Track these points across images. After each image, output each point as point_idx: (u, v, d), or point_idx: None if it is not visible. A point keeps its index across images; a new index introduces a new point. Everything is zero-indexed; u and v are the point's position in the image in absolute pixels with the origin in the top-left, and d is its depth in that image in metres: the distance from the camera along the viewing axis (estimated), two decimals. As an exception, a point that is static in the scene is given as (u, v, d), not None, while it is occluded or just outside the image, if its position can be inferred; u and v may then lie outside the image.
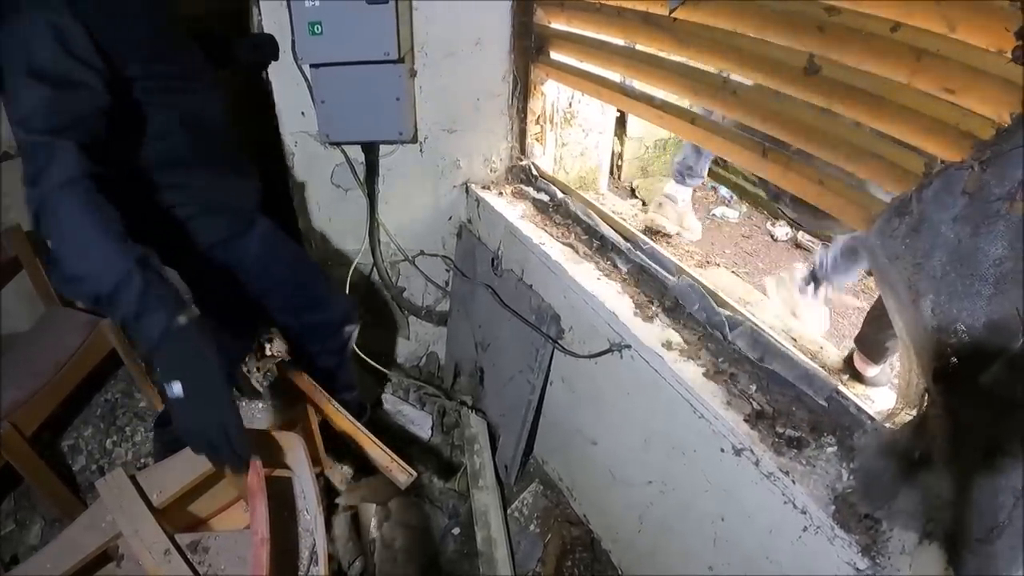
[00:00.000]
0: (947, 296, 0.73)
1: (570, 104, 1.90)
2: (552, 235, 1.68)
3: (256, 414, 1.81)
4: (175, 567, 1.04)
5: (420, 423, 2.13)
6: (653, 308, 1.39)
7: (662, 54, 1.31)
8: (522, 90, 1.85)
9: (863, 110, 0.90)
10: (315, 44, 1.56)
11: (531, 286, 1.75)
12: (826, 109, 0.98)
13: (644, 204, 4.31)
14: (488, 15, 1.73)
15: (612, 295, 1.44)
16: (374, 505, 1.71)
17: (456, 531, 1.82)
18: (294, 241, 1.61)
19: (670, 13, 1.19)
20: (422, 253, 2.12)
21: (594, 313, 1.46)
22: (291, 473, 1.17)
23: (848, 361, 1.15)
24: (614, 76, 1.56)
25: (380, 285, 2.14)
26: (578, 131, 1.96)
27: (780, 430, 1.08)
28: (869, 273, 2.51)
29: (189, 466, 1.21)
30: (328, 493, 1.75)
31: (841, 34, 0.89)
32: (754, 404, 1.13)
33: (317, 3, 1.50)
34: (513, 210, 1.82)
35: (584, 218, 1.65)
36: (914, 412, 0.85)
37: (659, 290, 1.41)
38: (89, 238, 0.97)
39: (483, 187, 1.97)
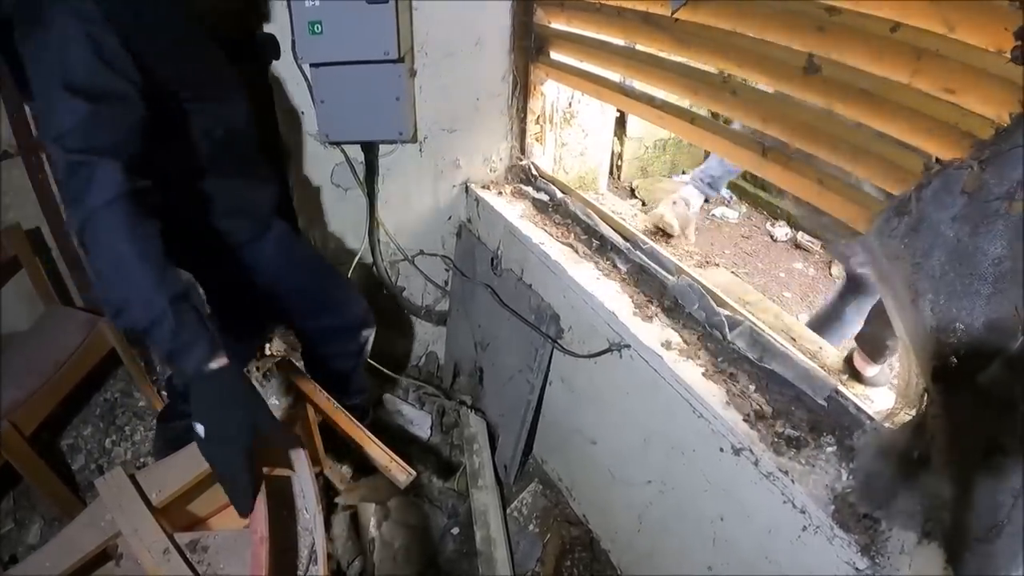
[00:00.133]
0: (946, 295, 0.73)
1: (570, 104, 1.90)
2: (552, 235, 1.68)
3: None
4: (174, 566, 1.04)
5: (419, 423, 2.13)
6: (652, 308, 1.39)
7: (662, 54, 1.31)
8: (522, 90, 1.85)
9: (863, 110, 0.90)
10: (315, 43, 1.56)
11: (530, 286, 1.75)
12: (826, 109, 0.99)
13: (644, 204, 4.31)
14: (488, 15, 1.73)
15: (611, 295, 1.44)
16: (373, 504, 1.71)
17: (455, 531, 1.82)
18: (311, 247, 1.60)
19: (672, 14, 1.19)
20: (422, 253, 2.12)
21: (593, 313, 1.46)
22: (290, 472, 1.17)
23: (848, 360, 1.15)
24: (614, 76, 1.56)
25: (379, 284, 2.14)
26: (578, 131, 1.96)
27: (779, 430, 1.08)
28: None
29: (188, 465, 1.20)
30: (327, 492, 1.75)
31: (841, 34, 0.89)
32: (753, 404, 1.13)
33: (317, 3, 1.50)
34: (513, 210, 1.82)
35: (584, 218, 1.65)
36: (913, 412, 0.85)
37: (658, 290, 1.41)
38: (128, 269, 0.96)
39: (483, 187, 1.97)
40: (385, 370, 2.18)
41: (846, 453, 1.02)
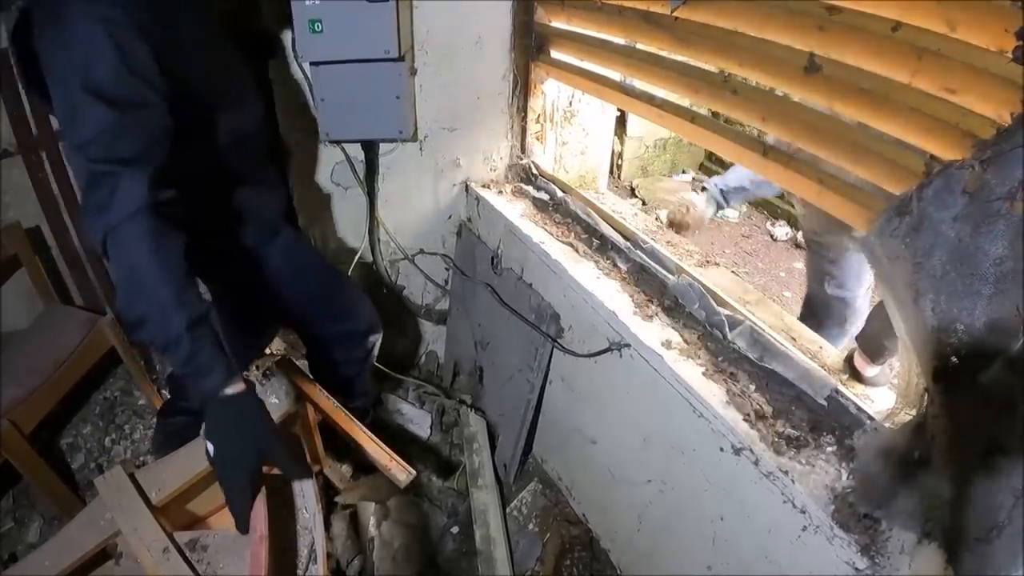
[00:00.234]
0: (947, 295, 0.73)
1: (570, 103, 1.90)
2: (552, 234, 1.68)
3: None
4: (174, 565, 1.04)
5: (419, 422, 2.13)
6: (653, 307, 1.39)
7: (662, 53, 1.31)
8: (522, 89, 1.85)
9: (863, 109, 0.90)
10: (315, 42, 1.56)
11: (531, 285, 1.74)
12: (827, 108, 0.98)
13: (644, 203, 4.32)
14: (488, 13, 1.73)
15: (612, 294, 1.44)
16: (373, 504, 1.71)
17: (455, 530, 1.82)
18: (319, 253, 1.58)
19: (672, 12, 1.19)
20: (422, 252, 2.12)
21: (593, 312, 1.46)
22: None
23: (848, 361, 1.15)
24: (614, 75, 1.56)
25: (380, 283, 2.13)
26: (578, 130, 1.95)
27: (779, 430, 1.08)
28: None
29: (188, 464, 1.21)
30: (327, 492, 1.75)
31: (842, 33, 0.89)
32: (753, 403, 1.13)
33: (317, 1, 1.50)
34: (513, 209, 1.81)
35: (584, 217, 1.65)
36: (914, 412, 0.85)
37: (659, 289, 1.41)
38: (148, 288, 0.96)
39: (483, 186, 1.97)
40: (385, 369, 2.18)
41: (846, 453, 1.02)
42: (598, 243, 1.60)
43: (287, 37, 1.61)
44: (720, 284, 1.32)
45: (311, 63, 1.62)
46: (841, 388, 1.05)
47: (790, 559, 1.06)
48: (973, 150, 0.72)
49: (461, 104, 1.85)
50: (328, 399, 1.44)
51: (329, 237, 2.02)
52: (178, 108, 1.04)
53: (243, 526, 0.99)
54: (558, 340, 1.66)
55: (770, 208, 4.21)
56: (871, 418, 0.99)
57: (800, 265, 3.67)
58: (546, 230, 1.70)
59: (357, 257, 2.01)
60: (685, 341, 1.30)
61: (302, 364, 1.67)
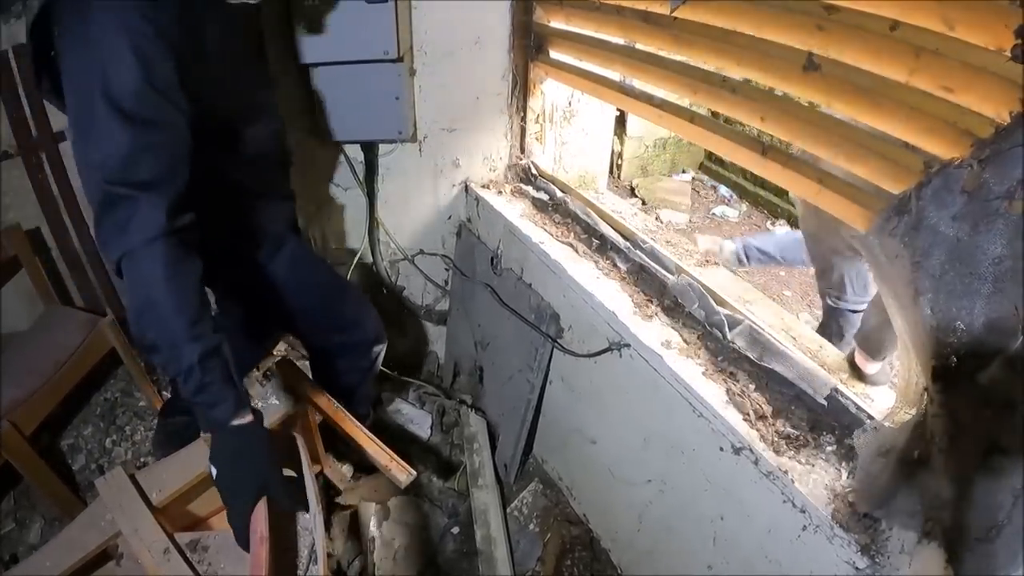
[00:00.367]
0: (946, 295, 0.73)
1: (570, 103, 1.90)
2: (551, 234, 1.68)
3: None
4: (174, 566, 1.05)
5: (419, 422, 2.13)
6: (652, 307, 1.39)
7: (661, 53, 1.31)
8: (521, 89, 1.85)
9: (862, 108, 0.90)
10: (314, 43, 1.56)
11: (530, 285, 1.74)
12: (825, 107, 0.98)
13: (644, 203, 4.31)
14: (487, 14, 1.73)
15: (611, 294, 1.44)
16: (373, 504, 1.71)
17: (455, 530, 1.82)
18: (325, 263, 1.56)
19: (671, 12, 1.19)
20: (421, 252, 2.12)
21: (593, 312, 1.46)
22: (292, 473, 1.17)
23: (850, 359, 1.15)
24: (614, 75, 1.56)
25: (379, 284, 2.14)
26: (578, 130, 1.95)
27: (779, 429, 1.08)
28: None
29: (188, 465, 1.21)
30: (327, 492, 1.75)
31: (840, 33, 0.89)
32: (753, 403, 1.13)
33: (316, 2, 1.50)
34: (512, 209, 1.82)
35: (583, 217, 1.65)
36: (913, 411, 0.85)
37: (658, 289, 1.41)
38: (161, 317, 0.94)
39: (482, 186, 1.97)
40: (385, 369, 2.18)
41: (846, 452, 1.02)
42: (598, 243, 1.60)
43: (287, 37, 1.61)
44: (719, 284, 1.32)
45: (310, 64, 1.62)
46: (841, 387, 1.05)
47: (790, 558, 1.06)
48: (972, 149, 0.72)
49: (460, 104, 1.85)
50: (329, 400, 1.44)
51: (329, 238, 2.02)
52: (200, 124, 1.01)
53: (243, 544, 1.00)
54: (558, 340, 1.66)
55: (770, 207, 4.21)
56: (871, 417, 0.99)
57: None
58: (546, 230, 1.70)
59: (357, 258, 2.01)
60: (685, 341, 1.30)
61: (303, 365, 1.68)
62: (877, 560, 0.90)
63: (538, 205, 1.83)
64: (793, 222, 4.01)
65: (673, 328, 1.34)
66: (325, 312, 1.52)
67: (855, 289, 2.05)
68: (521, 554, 1.75)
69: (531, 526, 1.82)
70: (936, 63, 0.78)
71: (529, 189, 1.89)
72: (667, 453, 1.35)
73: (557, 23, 1.68)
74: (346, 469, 1.81)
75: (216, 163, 1.10)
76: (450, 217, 2.08)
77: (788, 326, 1.23)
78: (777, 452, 1.05)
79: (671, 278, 1.37)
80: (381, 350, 1.67)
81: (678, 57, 1.27)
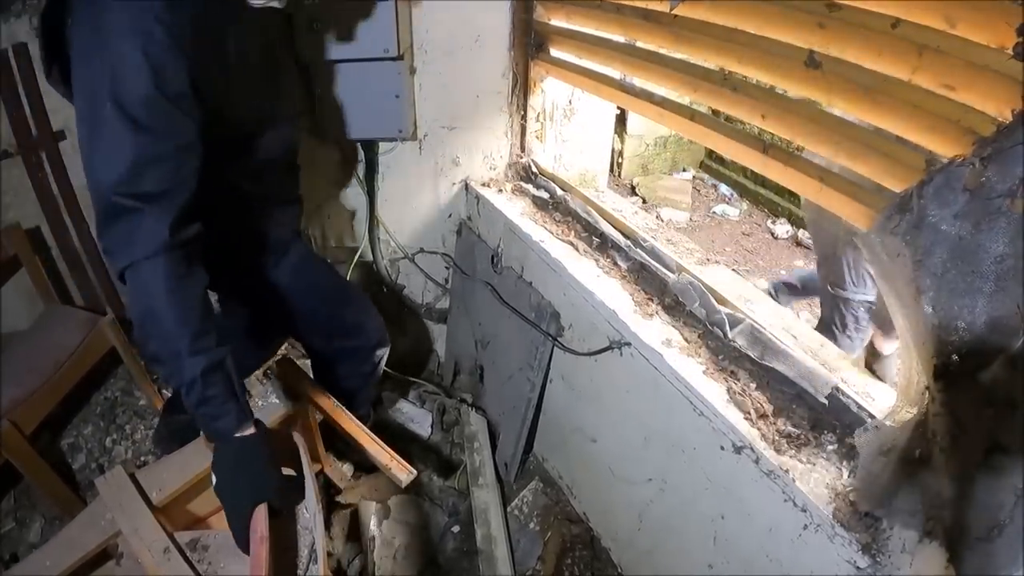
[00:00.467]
0: (948, 293, 0.73)
1: (570, 101, 1.90)
2: (552, 232, 1.68)
3: (256, 412, 1.81)
4: (174, 565, 1.05)
5: (420, 421, 2.13)
6: (653, 306, 1.39)
7: (662, 50, 1.31)
8: (522, 87, 1.85)
9: (864, 107, 0.90)
10: (314, 41, 1.56)
11: (531, 283, 1.74)
12: (827, 105, 0.98)
13: (645, 201, 4.31)
14: (488, 12, 1.73)
15: (612, 292, 1.44)
16: (374, 503, 1.71)
17: (456, 529, 1.82)
18: (328, 267, 1.54)
19: (671, 10, 1.18)
20: (422, 251, 2.12)
21: (594, 311, 1.45)
22: (293, 472, 1.17)
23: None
24: (614, 73, 1.55)
25: (380, 282, 2.13)
26: (578, 128, 1.95)
27: (780, 428, 1.08)
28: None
29: (188, 464, 1.21)
30: (328, 491, 1.75)
31: (841, 30, 0.89)
32: (754, 402, 1.13)
33: (317, 0, 1.50)
34: (513, 207, 1.81)
35: (584, 215, 1.65)
36: (915, 410, 0.84)
37: (659, 287, 1.41)
38: (164, 331, 0.94)
39: (483, 184, 1.97)
40: (386, 368, 2.17)
41: (847, 451, 1.02)
42: (598, 241, 1.60)
43: (287, 36, 1.60)
44: (720, 282, 1.32)
45: (310, 62, 1.61)
46: (842, 386, 1.05)
47: (791, 558, 1.06)
48: (974, 147, 0.72)
49: (461, 103, 1.85)
50: (329, 399, 1.44)
51: (329, 236, 2.02)
52: (214, 133, 0.99)
53: (243, 547, 1.01)
54: (558, 339, 1.66)
55: (771, 206, 4.21)
56: (872, 416, 0.98)
57: (801, 263, 3.66)
58: (546, 228, 1.69)
59: (357, 256, 2.01)
60: (685, 339, 1.29)
61: (303, 364, 1.67)
62: (878, 559, 0.90)
63: (538, 203, 1.83)
64: (794, 221, 4.00)
65: (674, 327, 1.33)
66: (328, 317, 1.51)
67: (853, 279, 2.05)
68: (522, 553, 1.75)
69: (531, 525, 1.82)
70: (938, 61, 0.77)
71: (529, 187, 1.89)
72: (668, 452, 1.35)
73: (558, 21, 1.67)
74: (346, 468, 1.81)
75: (224, 170, 1.08)
76: (450, 215, 2.08)
77: (789, 325, 1.23)
78: (778, 451, 1.05)
79: (672, 276, 1.37)
80: (383, 354, 1.67)
81: (679, 55, 1.27)
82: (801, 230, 3.90)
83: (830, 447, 1.04)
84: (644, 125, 4.45)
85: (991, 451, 0.70)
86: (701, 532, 1.28)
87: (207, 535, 1.13)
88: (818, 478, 1.00)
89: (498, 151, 1.98)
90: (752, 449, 1.07)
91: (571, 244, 1.62)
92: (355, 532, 1.70)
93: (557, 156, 1.97)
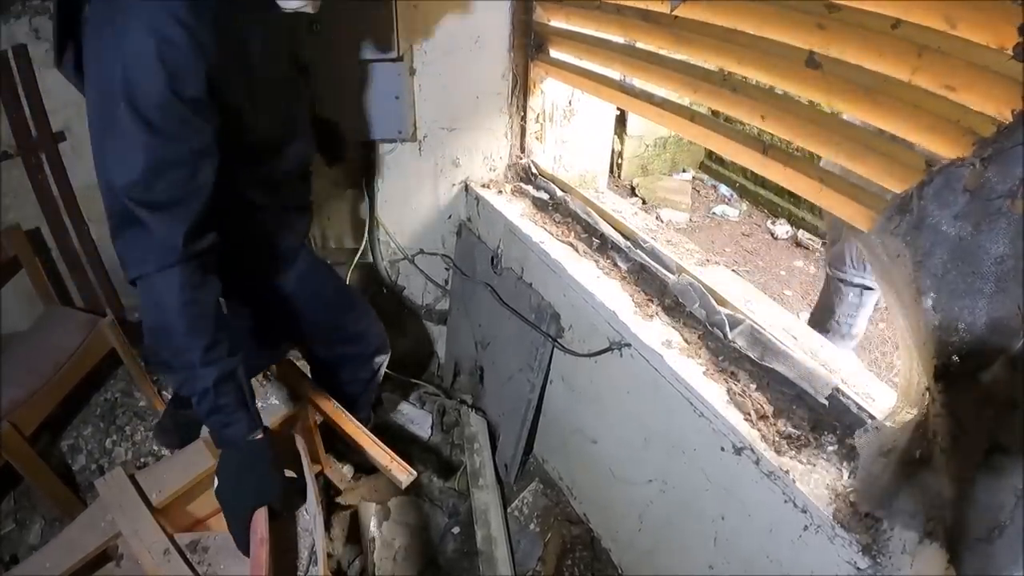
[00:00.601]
0: (948, 294, 0.73)
1: (570, 102, 1.90)
2: (552, 233, 1.68)
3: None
4: (174, 567, 1.05)
5: (420, 422, 2.13)
6: (653, 307, 1.39)
7: (662, 51, 1.31)
8: (521, 88, 1.85)
9: (864, 107, 0.90)
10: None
11: (531, 284, 1.74)
12: (827, 106, 0.98)
13: (644, 202, 4.31)
14: (487, 13, 1.73)
15: (612, 293, 1.44)
16: (374, 504, 1.71)
17: (456, 530, 1.82)
18: (332, 274, 1.52)
19: (671, 11, 1.18)
20: (421, 252, 2.12)
21: (594, 312, 1.45)
22: (293, 474, 1.17)
23: None
24: (614, 74, 1.55)
25: (379, 284, 2.13)
26: (578, 129, 1.95)
27: (780, 429, 1.08)
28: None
29: (188, 466, 1.21)
30: (328, 492, 1.75)
31: (841, 31, 0.89)
32: (754, 403, 1.13)
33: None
34: (513, 208, 1.81)
35: (584, 216, 1.65)
36: (915, 411, 0.84)
37: (659, 288, 1.41)
38: (175, 342, 0.94)
39: (483, 185, 1.97)
40: (387, 370, 2.18)
41: (847, 452, 1.02)
42: (598, 242, 1.60)
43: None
44: (720, 283, 1.32)
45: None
46: (842, 387, 1.05)
47: (791, 558, 1.06)
48: (974, 148, 0.72)
49: (460, 104, 1.85)
50: (329, 400, 1.44)
51: (329, 237, 2.02)
52: (233, 138, 0.97)
53: (243, 550, 1.01)
54: (558, 340, 1.66)
55: (771, 207, 4.21)
56: (872, 417, 0.98)
57: (801, 263, 3.66)
58: (546, 230, 1.69)
59: (357, 257, 2.01)
60: (685, 340, 1.29)
61: (303, 365, 1.68)
62: (878, 560, 0.89)
63: (538, 204, 1.83)
64: (793, 221, 4.00)
65: (674, 328, 1.33)
66: (330, 325, 1.51)
67: (854, 263, 2.06)
68: (522, 554, 1.75)
69: (532, 526, 1.82)
70: (938, 61, 0.77)
71: (529, 188, 1.89)
72: (668, 453, 1.35)
73: (557, 22, 1.68)
74: (346, 469, 1.81)
75: (236, 179, 1.05)
76: (450, 216, 2.08)
77: (789, 326, 1.23)
78: (778, 452, 1.04)
79: (672, 277, 1.37)
80: (383, 361, 1.67)
81: (678, 56, 1.27)
82: (801, 230, 3.90)
83: (830, 448, 1.04)
84: (644, 126, 4.45)
85: (991, 452, 0.70)
86: (701, 533, 1.28)
87: (207, 536, 1.13)
88: (818, 479, 1.00)
89: (498, 152, 1.98)
90: (752, 450, 1.07)
91: (571, 245, 1.62)
92: (355, 533, 1.70)
93: (557, 157, 1.97)
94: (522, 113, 1.89)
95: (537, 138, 1.93)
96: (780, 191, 4.10)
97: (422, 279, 2.18)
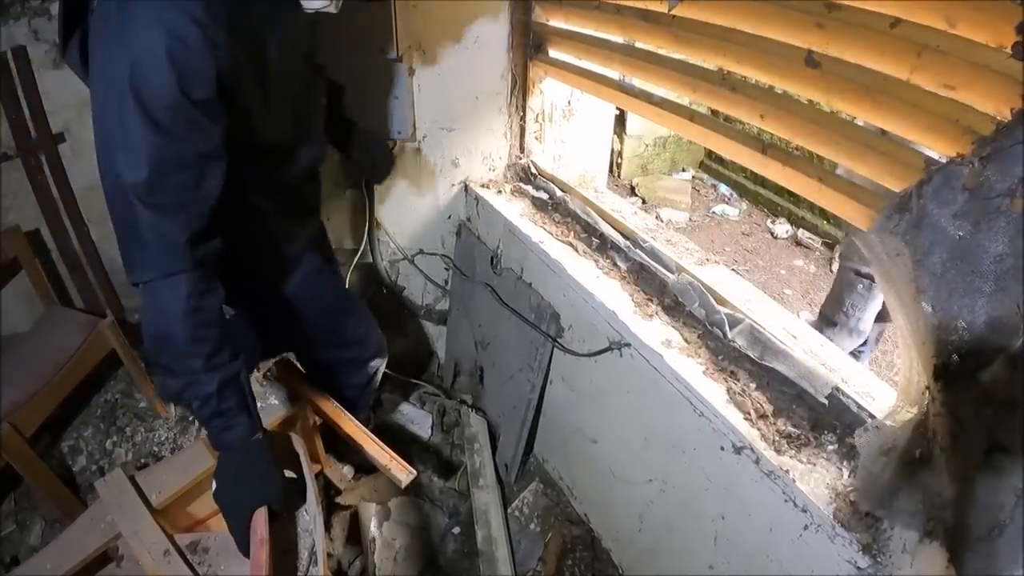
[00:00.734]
0: (947, 293, 0.73)
1: (569, 102, 1.90)
2: (551, 233, 1.68)
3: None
4: (174, 567, 1.05)
5: (420, 422, 2.13)
6: (653, 306, 1.39)
7: (661, 51, 1.31)
8: (521, 88, 1.85)
9: (863, 106, 0.90)
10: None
11: (530, 284, 1.74)
12: (826, 105, 0.98)
13: (644, 202, 4.31)
14: (486, 13, 1.73)
15: (612, 293, 1.44)
16: (374, 504, 1.71)
17: (456, 530, 1.82)
18: (335, 279, 1.50)
19: (670, 10, 1.18)
20: (421, 252, 2.12)
21: (594, 311, 1.45)
22: (293, 475, 1.17)
23: None
24: (613, 73, 1.55)
25: (379, 284, 2.13)
26: (577, 129, 1.95)
27: (780, 428, 1.08)
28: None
29: (188, 467, 1.21)
30: (328, 492, 1.75)
31: (840, 30, 0.89)
32: (754, 402, 1.13)
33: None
34: (512, 208, 1.81)
35: (583, 216, 1.65)
36: (915, 410, 0.84)
37: (659, 288, 1.41)
38: (180, 350, 0.93)
39: (482, 186, 1.97)
40: (386, 370, 2.17)
41: (847, 451, 1.02)
42: (598, 242, 1.60)
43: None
44: (720, 282, 1.32)
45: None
46: (842, 386, 1.05)
47: (792, 558, 1.06)
48: (973, 147, 0.72)
49: (459, 104, 1.85)
50: (328, 400, 1.44)
51: (328, 238, 2.01)
52: (241, 140, 0.95)
53: (243, 551, 1.01)
54: (558, 340, 1.66)
55: (771, 206, 4.21)
56: (872, 416, 0.98)
57: (801, 262, 3.66)
58: (545, 229, 1.69)
59: (357, 258, 2.01)
60: (685, 340, 1.29)
61: (302, 365, 1.67)
62: (879, 559, 0.89)
63: (538, 204, 1.82)
64: (793, 220, 4.00)
65: (673, 327, 1.33)
66: (327, 330, 1.50)
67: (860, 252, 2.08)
68: (522, 554, 1.75)
69: (532, 526, 1.82)
70: (937, 60, 0.77)
71: (529, 188, 1.89)
72: (668, 452, 1.35)
73: (556, 22, 1.67)
74: (346, 470, 1.81)
75: (240, 181, 1.02)
76: (450, 217, 2.08)
77: (788, 325, 1.23)
78: (778, 451, 1.04)
79: (671, 277, 1.37)
80: (380, 365, 1.66)
81: (677, 55, 1.27)
82: (801, 229, 3.90)
83: (830, 447, 1.04)
84: (643, 125, 4.45)
85: (991, 451, 0.70)
86: (702, 532, 1.28)
87: (207, 537, 1.13)
88: (818, 478, 1.00)
89: (497, 152, 1.98)
90: (752, 449, 1.07)
91: (570, 245, 1.62)
92: (355, 534, 1.70)
93: (556, 157, 1.97)
94: (521, 113, 1.89)
95: (536, 138, 1.93)
96: (780, 190, 4.10)
97: (422, 279, 2.18)
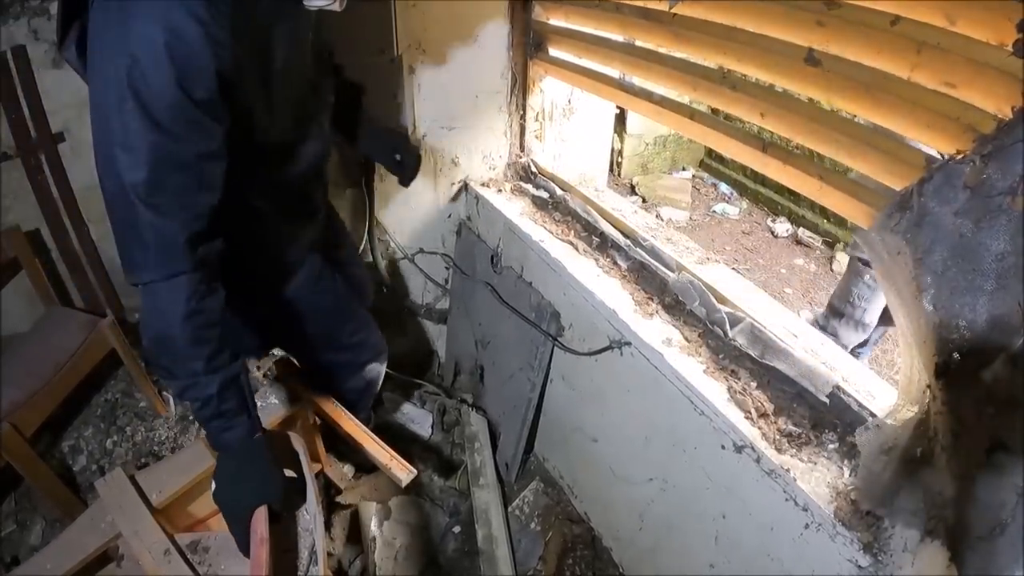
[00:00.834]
0: (948, 291, 0.73)
1: (569, 101, 1.90)
2: (552, 232, 1.67)
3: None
4: (175, 567, 1.05)
5: (420, 421, 2.13)
6: (653, 305, 1.39)
7: (661, 49, 1.31)
8: (520, 87, 1.85)
9: (863, 104, 0.90)
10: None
11: (531, 283, 1.74)
12: (826, 103, 0.98)
13: (644, 201, 4.31)
14: (486, 12, 1.72)
15: (612, 292, 1.43)
16: (374, 504, 1.71)
17: (457, 529, 1.82)
18: (335, 283, 1.47)
19: (670, 9, 1.18)
20: (421, 251, 2.12)
21: (594, 310, 1.45)
22: (293, 474, 1.17)
23: None
24: (613, 72, 1.55)
25: (379, 283, 2.13)
26: (577, 127, 1.95)
27: (781, 427, 1.08)
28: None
29: (189, 466, 1.21)
30: (328, 492, 1.75)
31: (840, 28, 0.89)
32: (754, 401, 1.13)
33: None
34: (512, 207, 1.81)
35: (584, 215, 1.64)
36: (916, 409, 0.84)
37: (659, 287, 1.41)
38: (180, 353, 0.93)
39: (482, 184, 1.97)
40: (387, 370, 2.18)
41: (848, 450, 1.02)
42: (598, 241, 1.60)
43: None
44: (720, 281, 1.32)
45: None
46: (843, 385, 1.05)
47: (792, 557, 1.06)
48: (974, 144, 0.71)
49: (459, 103, 1.84)
50: (329, 400, 1.44)
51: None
52: (242, 138, 0.94)
53: (244, 551, 1.01)
54: (558, 338, 1.65)
55: (771, 205, 4.21)
56: (873, 415, 0.98)
57: (801, 261, 3.66)
58: (546, 228, 1.69)
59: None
60: (686, 339, 1.29)
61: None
62: (880, 558, 0.89)
63: (538, 203, 1.82)
64: (793, 219, 4.00)
65: (674, 326, 1.33)
66: (327, 335, 1.49)
67: None
68: (523, 553, 1.75)
69: (532, 525, 1.82)
70: (938, 58, 0.77)
71: (529, 187, 1.89)
72: (668, 451, 1.34)
73: (556, 21, 1.67)
74: (347, 469, 1.81)
75: (241, 182, 1.01)
76: (450, 216, 2.08)
77: (789, 324, 1.22)
78: (779, 450, 1.04)
79: (672, 276, 1.37)
80: (378, 369, 1.66)
81: (678, 54, 1.27)
82: (801, 228, 3.90)
83: (831, 446, 1.04)
84: (643, 124, 4.44)
85: (993, 450, 0.70)
86: (702, 531, 1.28)
87: (207, 537, 1.13)
88: (819, 477, 1.00)
89: (497, 151, 1.98)
90: (753, 448, 1.07)
91: (571, 244, 1.62)
92: (356, 533, 1.70)
93: (556, 155, 1.97)
94: (521, 112, 1.89)
95: (536, 137, 1.93)
96: (780, 189, 4.10)
97: (422, 278, 2.18)
